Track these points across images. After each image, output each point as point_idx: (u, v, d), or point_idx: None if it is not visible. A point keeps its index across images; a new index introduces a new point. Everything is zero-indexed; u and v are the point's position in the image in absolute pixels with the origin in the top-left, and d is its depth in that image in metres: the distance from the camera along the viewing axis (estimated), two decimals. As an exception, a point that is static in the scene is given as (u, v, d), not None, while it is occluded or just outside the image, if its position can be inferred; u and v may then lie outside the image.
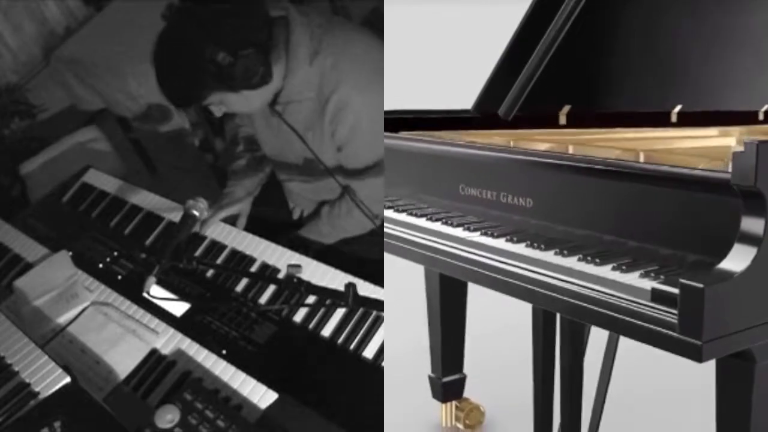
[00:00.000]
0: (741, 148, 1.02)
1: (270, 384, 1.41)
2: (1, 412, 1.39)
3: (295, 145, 1.83)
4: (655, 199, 1.15)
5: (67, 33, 4.05)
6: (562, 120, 1.74)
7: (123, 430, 1.31)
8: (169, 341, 1.58)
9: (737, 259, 1.01)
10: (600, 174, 1.23)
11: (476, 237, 1.39)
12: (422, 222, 1.52)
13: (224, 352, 1.52)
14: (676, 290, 1.00)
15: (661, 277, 1.09)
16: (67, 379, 1.42)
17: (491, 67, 1.74)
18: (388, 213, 1.61)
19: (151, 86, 2.96)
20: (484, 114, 1.73)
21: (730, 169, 1.04)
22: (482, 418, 2.00)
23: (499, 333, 2.19)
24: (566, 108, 1.73)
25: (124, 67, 3.05)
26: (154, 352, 1.56)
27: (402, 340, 2.14)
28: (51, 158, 3.26)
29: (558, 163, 1.31)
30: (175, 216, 1.94)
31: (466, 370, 1.97)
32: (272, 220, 2.12)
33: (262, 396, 1.40)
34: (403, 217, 1.58)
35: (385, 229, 1.59)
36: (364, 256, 1.96)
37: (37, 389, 1.43)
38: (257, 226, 1.92)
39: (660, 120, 1.83)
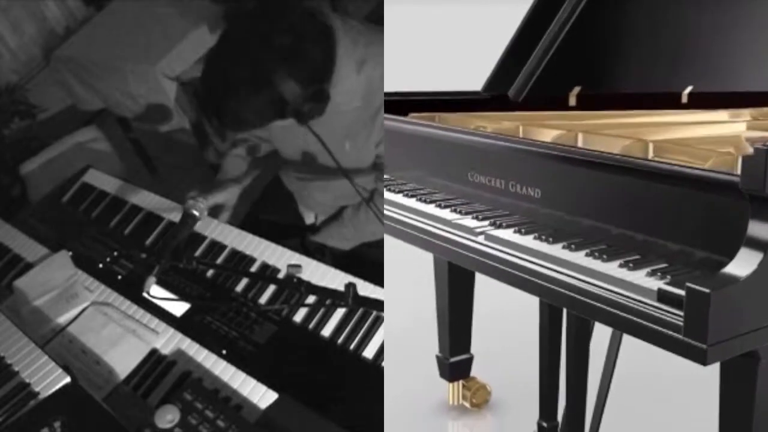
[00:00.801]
0: (752, 134, 1.00)
1: (270, 384, 1.41)
2: (1, 412, 1.39)
3: (322, 152, 1.78)
4: (664, 196, 1.15)
5: (67, 33, 4.05)
6: (572, 101, 1.74)
7: (123, 430, 1.31)
8: (169, 341, 1.58)
9: (743, 264, 1.00)
10: (609, 169, 1.22)
11: (484, 227, 1.38)
12: (430, 208, 1.51)
13: (224, 352, 1.52)
14: (682, 292, 0.99)
15: (668, 277, 1.09)
16: (67, 379, 1.42)
17: (492, 67, 1.74)
18: (396, 197, 1.61)
19: (151, 86, 2.99)
20: (494, 95, 1.72)
21: (738, 169, 1.04)
22: (488, 397, 2.02)
23: (508, 312, 2.19)
24: (576, 89, 1.72)
25: (124, 67, 3.05)
26: (154, 352, 1.56)
27: (410, 315, 2.15)
28: (51, 158, 3.27)
29: (566, 156, 1.30)
30: (175, 216, 1.94)
31: (473, 349, 1.98)
32: (283, 225, 2.11)
33: (262, 396, 1.40)
34: (411, 202, 1.56)
35: (393, 214, 1.58)
36: (365, 256, 1.96)
37: (37, 389, 1.42)
38: (267, 230, 1.89)
39: (670, 102, 1.81)
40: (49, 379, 1.43)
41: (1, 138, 3.71)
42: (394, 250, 1.68)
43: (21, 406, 1.39)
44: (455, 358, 1.96)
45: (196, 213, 1.66)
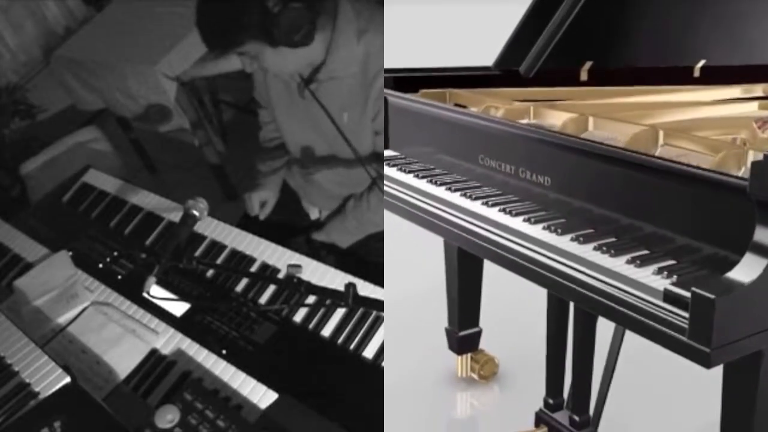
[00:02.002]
0: (764, 113, 0.98)
1: (270, 384, 1.41)
2: (1, 412, 1.39)
3: (324, 131, 1.80)
4: (674, 192, 1.15)
5: (67, 33, 4.06)
6: (584, 76, 1.73)
7: (123, 430, 1.31)
8: (169, 341, 1.58)
9: (748, 269, 1.01)
10: (618, 163, 1.22)
11: (493, 214, 1.38)
12: (440, 191, 1.51)
13: (224, 352, 1.52)
14: (688, 294, 1.00)
15: (675, 276, 1.09)
16: (67, 379, 1.42)
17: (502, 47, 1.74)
18: (406, 177, 1.61)
19: (151, 86, 2.99)
20: (505, 71, 1.72)
21: (749, 162, 1.06)
22: (496, 370, 2.05)
23: (517, 286, 2.22)
24: (588, 64, 1.71)
25: (124, 67, 3.05)
26: (154, 352, 1.56)
27: (420, 286, 2.19)
28: (51, 158, 3.26)
29: (576, 147, 1.30)
30: (175, 216, 1.94)
31: (482, 322, 2.01)
32: (288, 224, 2.11)
33: (262, 396, 1.40)
34: (421, 183, 1.57)
35: (402, 195, 1.58)
36: (367, 253, 1.96)
37: (37, 389, 1.42)
38: (273, 231, 1.89)
39: (683, 76, 1.81)
40: (49, 379, 1.43)
41: (1, 138, 3.72)
42: (400, 221, 1.70)
43: (21, 406, 1.39)
44: (464, 332, 1.99)
45: (196, 213, 1.65)
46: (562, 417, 1.66)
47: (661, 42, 1.76)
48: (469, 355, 2.03)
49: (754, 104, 1.71)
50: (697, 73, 1.84)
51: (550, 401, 1.68)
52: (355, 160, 1.79)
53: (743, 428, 1.18)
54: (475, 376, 2.03)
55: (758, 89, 1.80)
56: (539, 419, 1.70)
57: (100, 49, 3.28)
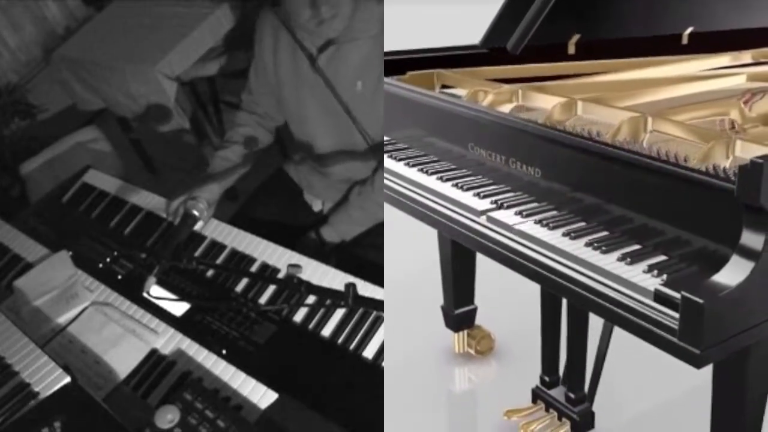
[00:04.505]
0: (752, 85, 0.97)
1: (270, 384, 1.41)
2: (1, 412, 1.39)
3: (336, 109, 1.77)
4: (663, 187, 1.15)
5: (67, 33, 4.05)
6: (571, 50, 1.73)
7: (123, 430, 1.31)
8: (169, 341, 1.58)
9: (735, 272, 1.02)
10: (609, 159, 1.23)
11: (485, 207, 1.38)
12: (431, 181, 1.51)
13: (224, 352, 1.52)
14: (678, 294, 1.01)
15: (665, 275, 1.10)
16: (67, 379, 1.42)
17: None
18: (397, 166, 1.60)
19: (151, 86, 2.99)
20: (492, 49, 1.72)
21: (737, 150, 1.09)
22: (493, 345, 2.09)
23: None
24: (575, 37, 1.71)
25: (124, 67, 3.05)
26: (154, 352, 1.56)
27: (415, 265, 2.22)
28: (51, 158, 3.26)
29: (566, 143, 1.30)
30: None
31: (479, 299, 2.04)
32: (292, 222, 2.10)
33: (262, 396, 1.40)
34: (412, 173, 1.56)
35: (394, 185, 1.58)
36: (365, 256, 1.95)
37: (37, 389, 1.42)
38: (277, 231, 1.88)
39: (670, 46, 1.80)
40: (49, 379, 1.43)
41: (1, 138, 3.71)
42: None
43: (21, 406, 1.39)
44: (459, 310, 2.02)
45: (196, 213, 1.66)
46: (558, 394, 1.68)
47: (648, 10, 1.74)
48: (465, 331, 2.06)
49: (743, 76, 1.69)
50: (685, 41, 1.82)
51: (546, 378, 1.70)
52: (364, 151, 1.77)
53: (735, 423, 1.19)
54: (471, 351, 2.06)
55: (747, 56, 1.78)
56: (536, 396, 1.72)
57: (100, 49, 3.28)
